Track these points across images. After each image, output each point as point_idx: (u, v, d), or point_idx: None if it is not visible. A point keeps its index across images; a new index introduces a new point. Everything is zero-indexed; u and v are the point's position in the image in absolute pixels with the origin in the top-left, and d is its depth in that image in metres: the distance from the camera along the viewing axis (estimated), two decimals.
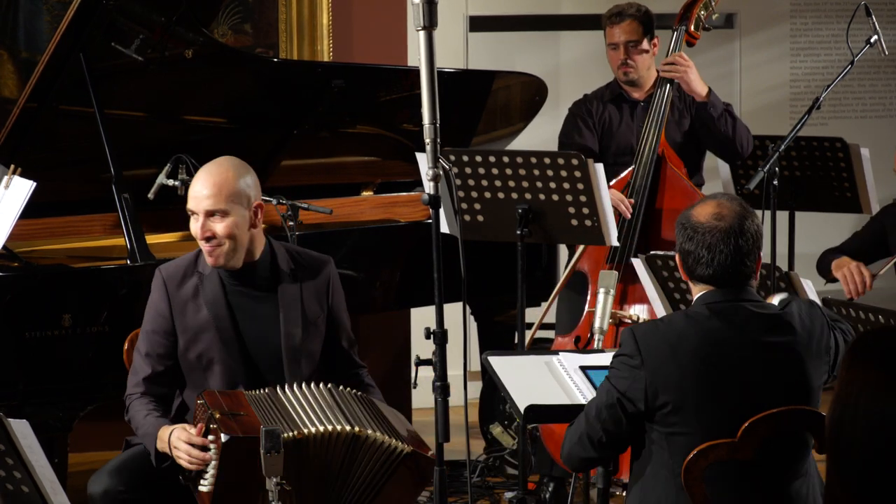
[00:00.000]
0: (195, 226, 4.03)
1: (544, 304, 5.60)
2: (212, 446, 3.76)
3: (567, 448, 3.50)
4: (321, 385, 3.92)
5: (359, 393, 4.01)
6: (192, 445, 3.82)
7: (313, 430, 3.75)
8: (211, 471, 3.75)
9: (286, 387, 3.92)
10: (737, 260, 3.39)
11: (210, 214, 4.00)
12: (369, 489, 3.83)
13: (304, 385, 3.92)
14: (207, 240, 4.01)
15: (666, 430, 3.33)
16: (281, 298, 4.08)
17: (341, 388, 3.96)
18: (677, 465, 3.31)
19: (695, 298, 3.48)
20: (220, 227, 4.00)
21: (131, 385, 4.10)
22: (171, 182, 4.93)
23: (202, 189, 4.02)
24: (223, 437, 3.70)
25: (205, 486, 3.78)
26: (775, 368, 3.36)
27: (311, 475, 3.76)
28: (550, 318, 5.60)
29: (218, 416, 3.73)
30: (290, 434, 3.72)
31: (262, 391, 3.92)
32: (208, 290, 4.06)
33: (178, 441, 3.85)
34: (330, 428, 3.77)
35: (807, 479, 3.43)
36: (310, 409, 3.83)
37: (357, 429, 3.77)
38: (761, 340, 3.36)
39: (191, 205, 4.05)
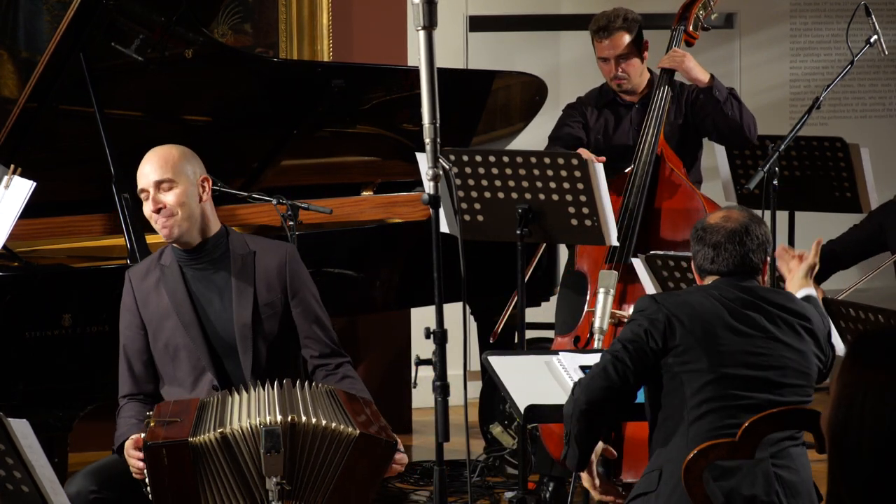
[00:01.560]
0: (147, 206, 4.08)
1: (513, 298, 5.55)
2: None
3: (582, 386, 3.57)
4: (276, 382, 3.86)
5: (322, 386, 3.95)
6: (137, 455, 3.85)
7: (237, 426, 3.67)
8: (146, 478, 3.74)
9: (242, 388, 3.89)
10: (742, 254, 3.62)
11: (159, 185, 4.06)
12: (320, 477, 3.71)
13: (258, 385, 3.87)
14: (159, 212, 4.06)
15: (680, 368, 3.53)
16: (234, 281, 4.12)
17: (298, 383, 3.90)
18: (690, 396, 3.51)
19: None
20: (169, 196, 4.06)
21: (120, 389, 4.16)
22: None
23: (147, 166, 4.09)
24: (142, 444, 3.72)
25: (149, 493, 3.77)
26: (779, 329, 3.58)
27: (251, 470, 3.68)
28: (550, 317, 5.60)
29: (152, 423, 3.74)
30: (212, 434, 3.66)
31: (217, 395, 3.91)
32: (169, 279, 4.12)
33: (126, 450, 3.91)
34: (259, 420, 3.66)
35: (800, 444, 3.61)
36: (246, 406, 3.77)
37: (291, 417, 3.66)
38: (768, 308, 3.59)
39: (140, 184, 4.10)
